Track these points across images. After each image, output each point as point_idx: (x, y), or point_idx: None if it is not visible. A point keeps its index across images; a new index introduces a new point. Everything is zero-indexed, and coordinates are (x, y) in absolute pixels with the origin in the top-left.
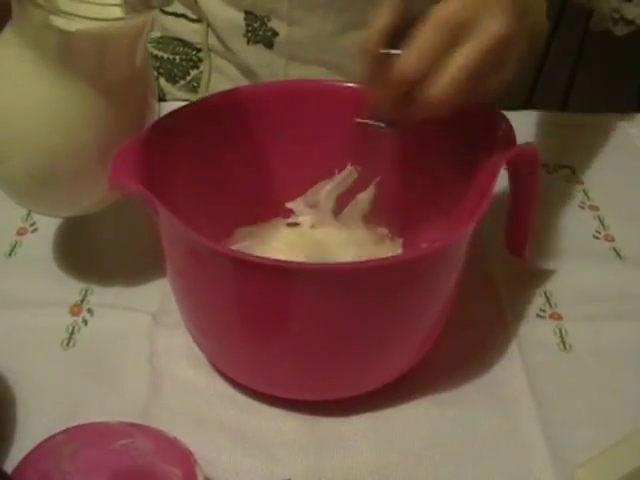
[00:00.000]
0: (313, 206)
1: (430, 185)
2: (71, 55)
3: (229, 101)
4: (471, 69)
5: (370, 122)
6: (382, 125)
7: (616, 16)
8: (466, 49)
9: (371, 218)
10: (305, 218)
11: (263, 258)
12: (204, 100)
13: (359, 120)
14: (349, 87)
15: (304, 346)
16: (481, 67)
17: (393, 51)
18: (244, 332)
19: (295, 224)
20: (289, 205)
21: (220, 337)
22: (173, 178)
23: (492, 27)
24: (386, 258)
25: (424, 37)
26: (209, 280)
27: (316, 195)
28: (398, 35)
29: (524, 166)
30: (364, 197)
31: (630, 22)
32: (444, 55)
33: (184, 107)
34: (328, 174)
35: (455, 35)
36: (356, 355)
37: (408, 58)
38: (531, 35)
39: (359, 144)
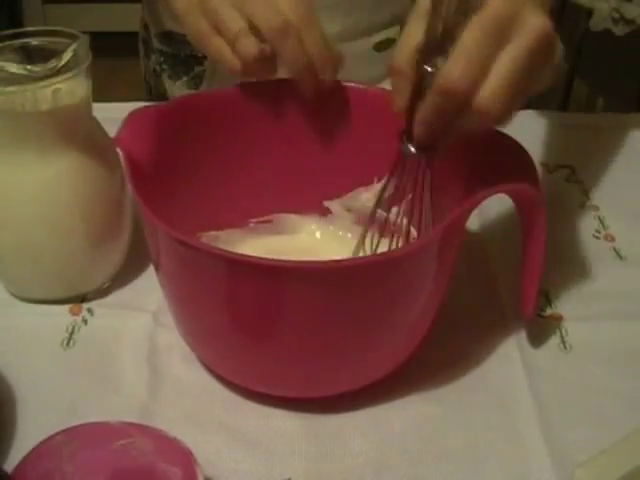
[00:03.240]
0: (349, 210)
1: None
2: (23, 138)
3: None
4: (518, 71)
5: (406, 150)
6: (415, 152)
7: (616, 16)
8: (513, 49)
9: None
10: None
11: (245, 255)
12: (204, 93)
13: (403, 147)
14: (351, 87)
15: (291, 344)
16: (528, 69)
17: (430, 69)
18: (230, 332)
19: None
20: (326, 204)
21: (210, 338)
22: (157, 174)
23: (535, 24)
24: (357, 258)
25: (470, 40)
26: (196, 280)
27: (355, 199)
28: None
29: (527, 208)
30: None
31: (630, 22)
32: (490, 59)
33: (186, 97)
34: (313, 178)
35: (499, 39)
36: (344, 351)
37: (454, 66)
38: None
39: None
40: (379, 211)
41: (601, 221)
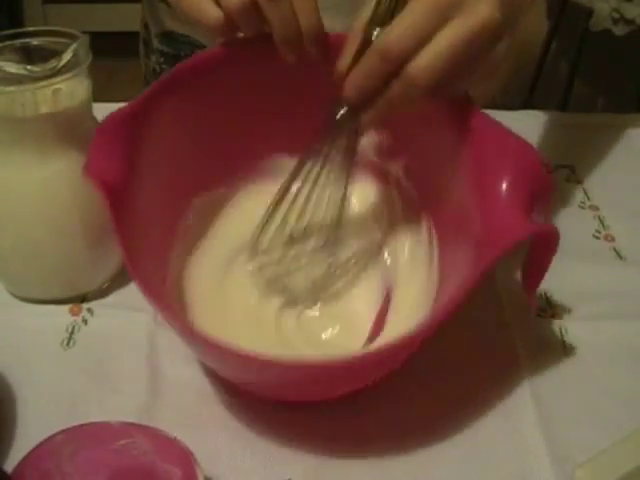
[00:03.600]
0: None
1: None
2: (23, 141)
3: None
4: (457, 48)
5: (337, 111)
6: (344, 114)
7: (616, 16)
8: (454, 27)
9: None
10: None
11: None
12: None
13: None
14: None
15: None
16: (467, 49)
17: (376, 32)
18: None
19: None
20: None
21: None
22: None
23: (483, 10)
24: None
25: (412, 13)
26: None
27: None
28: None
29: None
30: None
31: (630, 22)
32: (430, 34)
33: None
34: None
35: (444, 15)
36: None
37: (393, 32)
38: (520, 51)
39: None
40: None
41: (601, 221)
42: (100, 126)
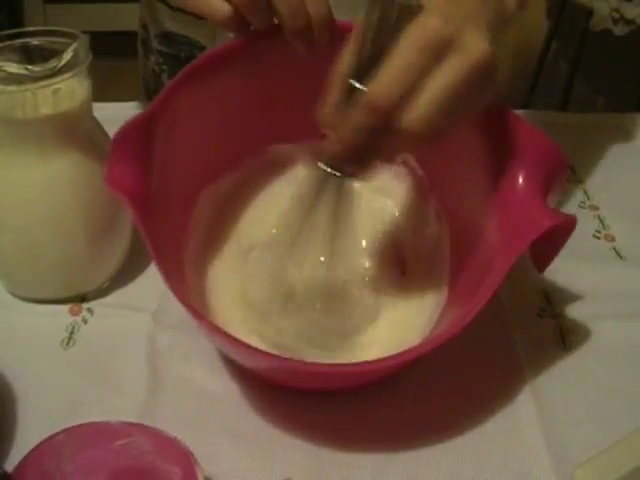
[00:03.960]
0: None
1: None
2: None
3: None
4: (453, 92)
5: (329, 170)
6: (339, 174)
7: (616, 16)
8: (448, 70)
9: None
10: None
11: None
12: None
13: (320, 165)
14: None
15: None
16: (463, 90)
17: (359, 86)
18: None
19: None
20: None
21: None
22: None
23: (476, 46)
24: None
25: (401, 57)
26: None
27: None
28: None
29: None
30: None
31: (630, 22)
32: (421, 79)
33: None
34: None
35: (436, 56)
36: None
37: (382, 82)
38: (519, 51)
39: None
40: None
41: (601, 221)
42: (115, 135)
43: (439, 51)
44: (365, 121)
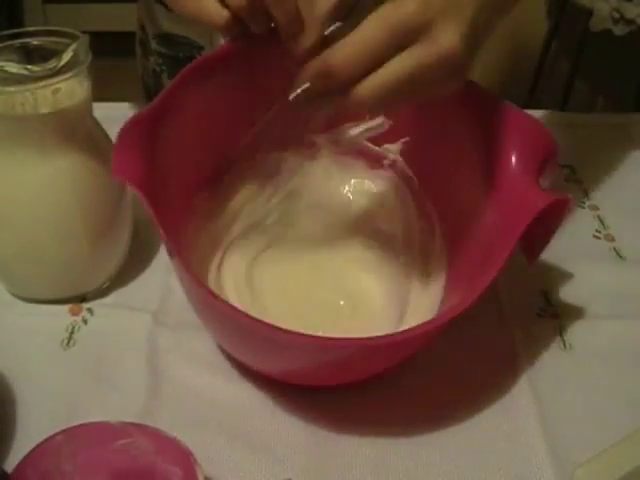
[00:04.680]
0: (335, 143)
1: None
2: (24, 139)
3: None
4: (406, 78)
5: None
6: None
7: (616, 16)
8: (408, 56)
9: None
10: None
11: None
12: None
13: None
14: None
15: None
16: (419, 79)
17: (332, 27)
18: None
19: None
20: (314, 138)
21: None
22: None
23: (446, 40)
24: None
25: (364, 32)
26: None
27: (343, 134)
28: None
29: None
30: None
31: (630, 22)
32: (382, 57)
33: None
34: None
35: (401, 41)
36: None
37: (340, 52)
38: (515, 45)
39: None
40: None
41: (601, 221)
42: (121, 129)
43: (407, 36)
44: (319, 81)
